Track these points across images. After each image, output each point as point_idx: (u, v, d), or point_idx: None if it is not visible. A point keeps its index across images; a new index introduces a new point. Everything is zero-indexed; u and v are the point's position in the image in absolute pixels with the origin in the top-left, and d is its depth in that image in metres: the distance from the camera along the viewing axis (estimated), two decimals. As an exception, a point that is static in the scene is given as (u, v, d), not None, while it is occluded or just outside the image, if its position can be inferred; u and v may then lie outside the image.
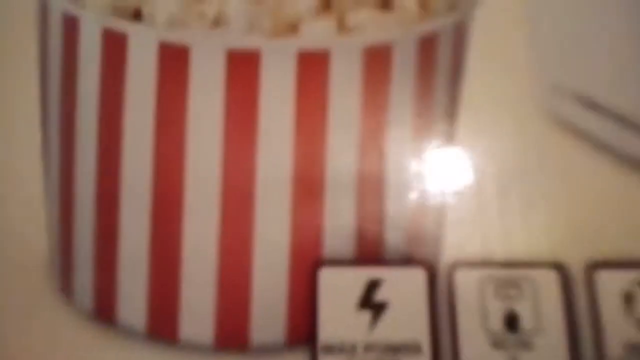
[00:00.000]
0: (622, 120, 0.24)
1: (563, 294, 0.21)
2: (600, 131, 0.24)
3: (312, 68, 0.21)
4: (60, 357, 0.20)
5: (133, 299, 0.21)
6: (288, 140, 0.21)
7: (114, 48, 0.21)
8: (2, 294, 0.21)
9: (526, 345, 0.20)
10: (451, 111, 0.23)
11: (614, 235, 0.22)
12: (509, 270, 0.21)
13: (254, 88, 0.21)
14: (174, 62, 0.20)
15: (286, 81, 0.21)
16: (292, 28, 0.21)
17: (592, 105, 0.24)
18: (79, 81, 0.21)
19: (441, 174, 0.22)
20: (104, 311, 0.21)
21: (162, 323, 0.21)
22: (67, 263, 0.22)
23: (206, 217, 0.21)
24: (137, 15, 0.21)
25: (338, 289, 0.21)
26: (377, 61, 0.21)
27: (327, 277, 0.21)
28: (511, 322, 0.21)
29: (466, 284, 0.21)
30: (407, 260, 0.21)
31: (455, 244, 0.22)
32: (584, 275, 0.21)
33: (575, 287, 0.21)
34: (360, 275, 0.21)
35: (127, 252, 0.21)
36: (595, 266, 0.21)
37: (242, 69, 0.20)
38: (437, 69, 0.22)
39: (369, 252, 0.21)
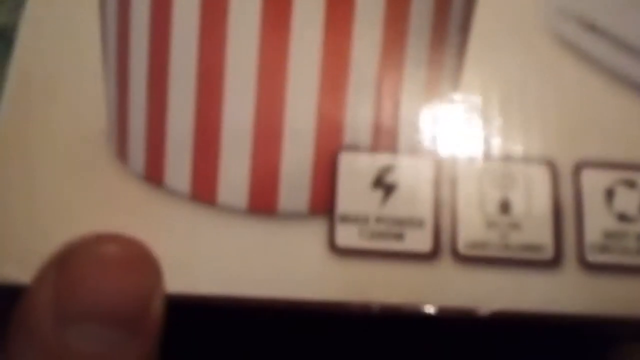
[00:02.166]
0: (620, 43, 0.26)
1: (552, 187, 0.24)
2: (598, 52, 0.26)
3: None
4: (115, 215, 0.24)
5: (179, 165, 0.24)
6: (317, 40, 0.23)
7: None
8: (64, 162, 0.24)
9: (516, 226, 0.23)
10: (466, 26, 0.26)
11: (599, 140, 0.24)
12: (506, 164, 0.24)
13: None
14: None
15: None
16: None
17: (593, 28, 0.27)
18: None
19: (452, 83, 0.25)
20: (154, 175, 0.24)
21: (204, 188, 0.24)
22: (122, 132, 0.25)
23: (243, 99, 0.24)
24: None
25: (355, 170, 0.24)
26: None
27: (346, 160, 0.24)
28: (504, 207, 0.24)
29: (468, 174, 0.24)
30: (416, 151, 0.24)
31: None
32: (572, 173, 0.24)
33: (563, 183, 0.24)
34: (375, 160, 0.24)
35: (174, 124, 0.24)
36: (582, 165, 0.24)
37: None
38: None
39: (384, 141, 0.24)
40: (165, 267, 0.22)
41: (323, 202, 0.23)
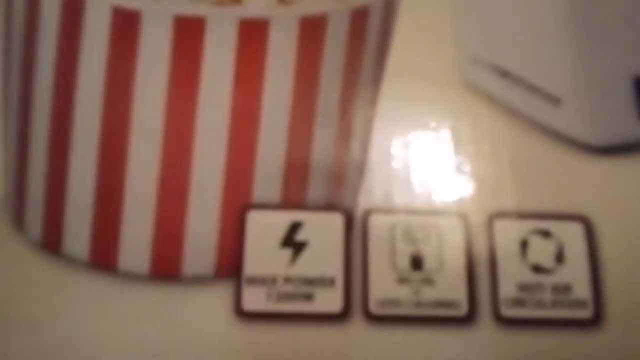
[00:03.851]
0: (533, 89, 0.26)
1: (465, 240, 0.23)
2: (512, 98, 0.26)
3: (253, 35, 0.23)
4: (9, 282, 0.23)
5: (78, 230, 0.23)
6: (226, 97, 0.23)
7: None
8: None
9: (429, 281, 0.23)
10: (377, 79, 0.25)
11: (513, 190, 0.24)
12: (417, 217, 0.24)
13: (198, 52, 0.23)
14: (126, 25, 0.23)
15: (228, 46, 0.23)
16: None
17: (506, 75, 0.27)
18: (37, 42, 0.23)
19: (363, 133, 0.25)
20: (51, 242, 0.23)
21: (103, 253, 0.23)
22: (20, 199, 0.24)
23: (147, 161, 0.23)
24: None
25: (264, 229, 0.23)
26: (312, 31, 0.23)
27: (255, 219, 0.23)
28: (416, 262, 0.23)
29: (379, 227, 0.23)
30: (327, 206, 0.24)
31: (371, 192, 0.24)
32: (485, 224, 0.24)
33: (476, 235, 0.24)
34: (284, 218, 0.23)
35: (74, 188, 0.23)
36: (495, 216, 0.24)
37: (188, 33, 0.23)
38: (367, 39, 0.24)
39: (294, 197, 0.24)
40: (63, 339, 0.22)
41: (229, 264, 0.23)
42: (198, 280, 0.23)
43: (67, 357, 0.21)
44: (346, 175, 0.24)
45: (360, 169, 0.24)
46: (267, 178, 0.23)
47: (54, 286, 0.23)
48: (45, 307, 0.22)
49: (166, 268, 0.23)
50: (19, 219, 0.23)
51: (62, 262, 0.23)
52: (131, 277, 0.23)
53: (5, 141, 0.24)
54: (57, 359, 0.22)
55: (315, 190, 0.24)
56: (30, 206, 0.23)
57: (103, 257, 0.23)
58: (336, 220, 0.23)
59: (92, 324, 0.22)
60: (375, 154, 0.24)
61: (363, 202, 0.23)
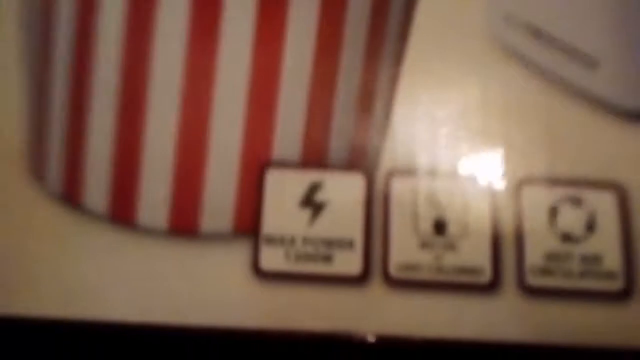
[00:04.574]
0: (568, 50, 0.25)
1: (491, 206, 0.23)
2: (545, 59, 0.25)
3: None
4: (32, 234, 0.23)
5: (97, 184, 0.23)
6: (247, 53, 0.22)
7: None
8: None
9: (451, 247, 0.22)
10: (403, 35, 0.24)
11: (544, 155, 0.23)
12: (441, 181, 0.23)
13: (218, 6, 0.22)
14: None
15: (248, 2, 0.22)
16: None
17: (540, 34, 0.25)
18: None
19: (387, 92, 0.24)
20: (72, 195, 0.23)
21: (122, 208, 0.23)
22: (41, 152, 0.24)
23: (166, 117, 0.22)
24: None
25: (283, 188, 0.23)
26: None
27: (273, 178, 0.23)
28: (439, 226, 0.23)
29: (401, 191, 0.23)
30: (348, 166, 0.23)
31: (395, 154, 0.23)
32: (513, 190, 0.23)
33: (503, 200, 0.23)
34: (304, 177, 0.23)
35: (94, 144, 0.23)
36: (524, 182, 0.23)
37: None
38: (391, 2, 0.23)
39: (314, 156, 0.23)
40: (81, 292, 0.21)
41: (247, 222, 0.22)
42: (216, 237, 0.22)
43: (83, 308, 0.21)
44: (368, 135, 0.23)
45: (384, 129, 0.23)
46: (287, 136, 0.23)
47: (73, 238, 0.22)
48: (64, 258, 0.22)
49: (184, 224, 0.22)
50: (40, 170, 0.23)
51: (82, 215, 0.23)
52: (149, 231, 0.22)
53: (26, 91, 0.24)
54: (74, 309, 0.21)
55: (336, 150, 0.23)
56: (51, 159, 0.23)
57: (122, 212, 0.22)
58: (357, 181, 0.23)
59: (108, 277, 0.22)
60: (399, 114, 0.23)
61: (385, 164, 0.23)
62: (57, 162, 0.23)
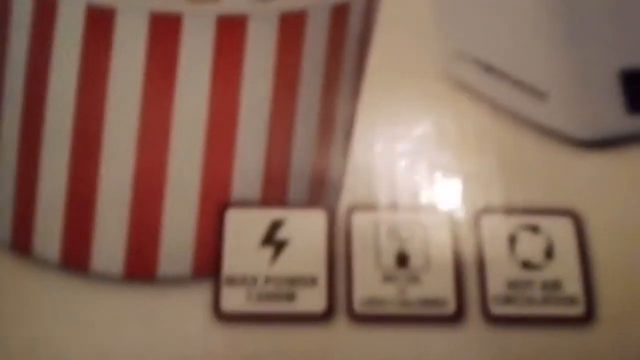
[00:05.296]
0: (517, 84, 0.26)
1: (452, 236, 0.23)
2: (497, 93, 0.26)
3: (231, 32, 0.22)
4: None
5: (48, 231, 0.22)
6: (204, 95, 0.22)
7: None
8: None
9: (414, 279, 0.22)
10: (359, 75, 0.25)
11: (500, 185, 0.23)
12: (402, 214, 0.23)
13: (174, 49, 0.22)
14: (100, 22, 0.22)
15: (205, 43, 0.22)
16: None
17: (490, 69, 0.26)
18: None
19: (345, 130, 0.24)
20: (21, 243, 0.22)
21: (76, 254, 0.22)
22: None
23: (122, 160, 0.22)
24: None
25: (243, 227, 0.22)
26: (292, 27, 0.23)
27: (233, 218, 0.22)
28: (402, 259, 0.23)
29: (363, 224, 0.23)
30: (309, 203, 0.23)
31: (355, 189, 0.23)
32: (472, 221, 0.23)
33: (463, 231, 0.23)
34: (265, 215, 0.23)
35: (46, 188, 0.22)
36: (483, 212, 0.23)
37: (164, 31, 0.22)
38: (348, 35, 0.24)
39: (274, 195, 0.23)
40: (33, 342, 0.21)
41: (208, 264, 0.22)
42: (175, 281, 0.22)
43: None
44: (328, 172, 0.24)
45: (343, 166, 0.23)
46: (247, 176, 0.23)
47: (24, 288, 0.22)
48: (16, 309, 0.21)
49: (141, 268, 0.22)
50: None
51: (33, 264, 0.22)
52: (105, 278, 0.22)
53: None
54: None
55: (297, 188, 0.23)
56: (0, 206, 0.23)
57: (75, 258, 0.22)
58: (318, 218, 0.23)
59: (63, 327, 0.21)
60: (358, 151, 0.24)
61: (346, 199, 0.23)
62: (5, 209, 0.22)
